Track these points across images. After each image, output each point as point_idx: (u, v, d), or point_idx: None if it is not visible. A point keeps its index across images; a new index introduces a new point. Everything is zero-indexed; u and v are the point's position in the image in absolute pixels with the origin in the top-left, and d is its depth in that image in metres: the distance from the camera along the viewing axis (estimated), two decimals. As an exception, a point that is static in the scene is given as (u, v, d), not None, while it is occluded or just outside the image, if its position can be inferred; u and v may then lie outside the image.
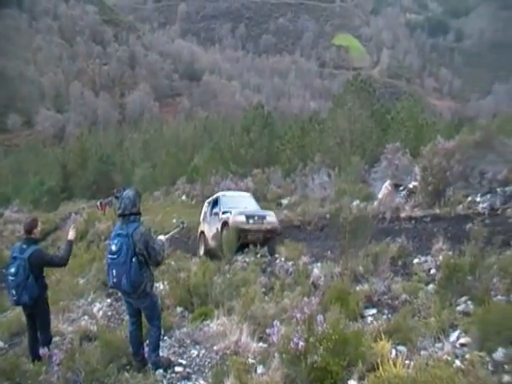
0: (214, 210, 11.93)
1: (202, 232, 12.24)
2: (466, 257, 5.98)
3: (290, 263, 8.47)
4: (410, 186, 13.06)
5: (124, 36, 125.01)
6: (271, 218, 10.95)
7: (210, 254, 11.05)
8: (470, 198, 10.93)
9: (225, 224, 10.69)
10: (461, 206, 10.41)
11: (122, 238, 4.44)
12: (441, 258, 6.51)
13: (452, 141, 15.50)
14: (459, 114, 67.79)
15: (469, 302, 5.22)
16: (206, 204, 13.08)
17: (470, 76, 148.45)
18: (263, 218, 10.82)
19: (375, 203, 12.50)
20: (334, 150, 22.01)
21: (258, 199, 14.22)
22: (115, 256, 4.42)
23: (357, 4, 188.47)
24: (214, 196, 12.78)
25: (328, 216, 12.41)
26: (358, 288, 5.73)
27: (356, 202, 13.22)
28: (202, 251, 11.90)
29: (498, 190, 11.30)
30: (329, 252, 8.56)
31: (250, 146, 27.01)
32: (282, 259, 9.18)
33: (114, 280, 4.44)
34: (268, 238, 10.68)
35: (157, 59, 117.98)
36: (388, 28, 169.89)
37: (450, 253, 6.57)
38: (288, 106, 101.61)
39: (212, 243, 11.26)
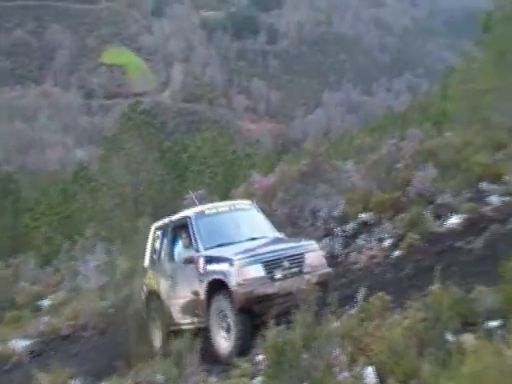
0: (181, 250, 9.58)
1: (154, 293, 10.08)
2: (297, 329, 6.37)
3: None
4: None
5: None
6: (315, 255, 8.85)
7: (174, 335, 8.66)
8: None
9: (217, 286, 8.40)
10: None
11: None
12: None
13: (271, 175, 16.90)
14: (283, 136, 74.32)
15: (309, 390, 5.55)
16: (153, 232, 10.66)
17: (291, 86, 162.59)
18: (300, 259, 8.58)
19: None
20: (112, 216, 21.97)
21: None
22: None
23: (131, 3, 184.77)
24: (178, 216, 10.20)
25: (111, 311, 12.31)
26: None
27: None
28: (158, 340, 9.79)
29: (337, 230, 12.60)
30: (116, 362, 8.45)
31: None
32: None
33: None
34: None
35: None
36: (178, 33, 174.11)
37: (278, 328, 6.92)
38: (41, 161, 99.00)
39: (182, 319, 9.29)
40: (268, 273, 8.21)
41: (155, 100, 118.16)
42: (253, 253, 8.46)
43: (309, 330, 6.31)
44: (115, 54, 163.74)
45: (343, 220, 12.75)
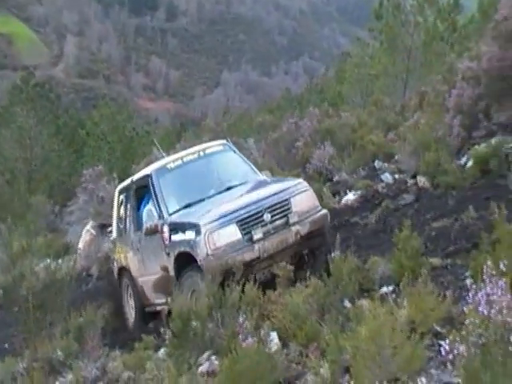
0: (146, 214, 7.88)
1: (124, 269, 8.76)
2: (201, 298, 6.53)
3: None
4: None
5: None
6: (303, 197, 7.29)
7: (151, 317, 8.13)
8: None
9: (184, 258, 7.01)
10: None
11: None
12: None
13: (172, 152, 16.87)
14: (182, 116, 74.00)
15: (213, 358, 5.71)
16: (117, 196, 9.05)
17: (190, 65, 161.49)
18: (285, 207, 7.06)
19: (75, 257, 12.63)
20: (2, 192, 21.26)
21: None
22: None
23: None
24: (138, 175, 8.61)
25: (1, 292, 11.93)
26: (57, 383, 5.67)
27: (45, 262, 13.11)
28: (131, 317, 8.68)
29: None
30: (6, 345, 8.32)
31: None
32: None
33: None
34: (312, 251, 7.35)
35: None
36: (71, 5, 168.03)
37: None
38: None
39: (156, 299, 7.96)
40: (245, 234, 6.76)
41: (48, 74, 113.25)
42: (223, 211, 6.86)
43: (214, 299, 6.47)
44: (3, 23, 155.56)
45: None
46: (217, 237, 6.65)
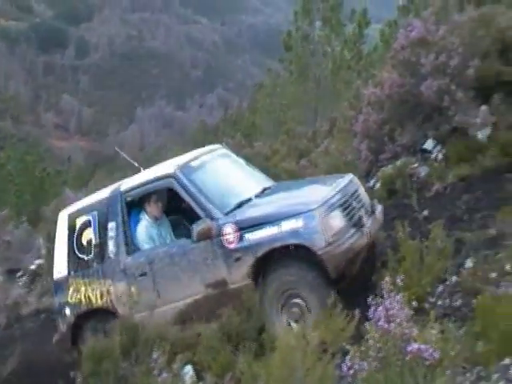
0: (152, 232, 6.87)
1: (98, 311, 7.09)
2: (114, 337, 6.43)
3: None
4: (33, 266, 13.39)
5: None
6: (366, 195, 6.82)
7: None
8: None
9: (269, 260, 6.04)
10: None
11: None
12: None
13: (84, 190, 16.68)
14: (96, 154, 73.03)
15: (127, 397, 5.65)
16: (70, 222, 7.36)
17: (103, 102, 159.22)
18: (360, 196, 6.58)
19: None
20: None
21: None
22: None
23: None
24: (137, 181, 7.08)
25: None
26: None
27: None
28: None
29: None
30: None
31: None
32: None
33: None
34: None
35: None
36: None
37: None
38: None
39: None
40: (349, 219, 6.08)
41: None
42: (319, 197, 6.11)
43: (127, 336, 6.39)
44: None
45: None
46: (332, 221, 5.88)
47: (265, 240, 5.91)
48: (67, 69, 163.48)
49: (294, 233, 5.78)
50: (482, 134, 8.30)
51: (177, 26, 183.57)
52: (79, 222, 7.18)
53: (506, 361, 4.02)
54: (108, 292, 6.82)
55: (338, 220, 5.92)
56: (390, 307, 3.89)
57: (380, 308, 3.93)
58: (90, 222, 7.06)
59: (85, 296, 6.96)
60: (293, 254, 5.90)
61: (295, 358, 4.37)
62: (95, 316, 7.09)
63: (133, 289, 6.65)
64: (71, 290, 7.06)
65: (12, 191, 22.43)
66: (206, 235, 6.17)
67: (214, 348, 5.87)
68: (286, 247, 5.88)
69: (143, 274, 6.61)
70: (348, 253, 5.81)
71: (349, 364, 3.79)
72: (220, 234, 6.13)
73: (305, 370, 4.20)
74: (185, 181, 6.45)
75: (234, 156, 7.73)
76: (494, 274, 5.49)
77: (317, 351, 4.50)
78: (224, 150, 7.75)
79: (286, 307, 6.01)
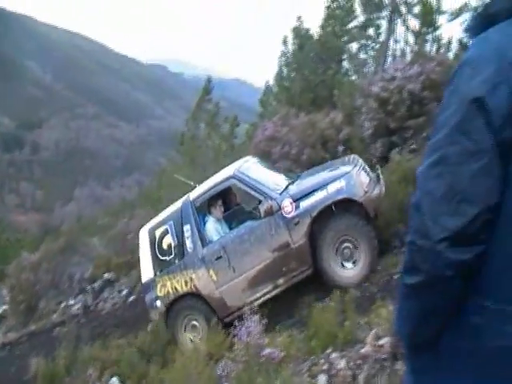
0: (213, 226, 6.37)
1: (185, 296, 6.34)
2: (59, 361, 6.17)
3: None
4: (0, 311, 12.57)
5: None
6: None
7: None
8: (63, 304, 11.36)
9: (323, 216, 5.77)
10: (55, 315, 10.68)
11: None
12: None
13: (37, 252, 15.81)
14: (45, 225, 69.15)
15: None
16: (151, 234, 6.73)
17: (51, 186, 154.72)
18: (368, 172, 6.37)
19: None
20: None
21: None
22: None
23: None
24: (207, 186, 6.50)
25: None
26: None
27: None
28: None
29: (88, 287, 12.25)
30: None
31: None
32: None
33: None
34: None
35: None
36: None
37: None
38: None
39: (252, 294, 6.08)
40: (369, 177, 6.12)
41: None
42: (349, 165, 6.13)
43: (69, 360, 6.16)
44: None
45: (92, 280, 12.46)
46: (363, 178, 5.86)
47: (317, 202, 5.75)
48: (24, 163, 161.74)
49: (340, 191, 5.71)
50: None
51: (104, 129, 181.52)
52: (158, 232, 6.68)
53: (329, 350, 4.22)
54: (191, 279, 6.25)
55: (366, 177, 5.94)
56: (250, 326, 4.06)
57: (243, 327, 4.10)
58: (167, 230, 6.58)
59: (171, 287, 6.35)
60: (338, 210, 5.79)
61: (190, 365, 4.43)
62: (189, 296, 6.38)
63: (211, 271, 6.16)
64: (159, 286, 6.43)
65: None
66: (269, 211, 5.84)
67: (132, 362, 5.79)
68: (333, 205, 5.77)
69: (219, 258, 6.13)
70: (377, 197, 5.87)
71: (222, 368, 3.90)
72: (279, 208, 5.87)
73: (197, 374, 4.28)
74: (243, 176, 6.19)
75: (263, 162, 7.40)
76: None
77: (205, 359, 4.58)
78: (256, 158, 7.38)
79: (340, 250, 5.82)
